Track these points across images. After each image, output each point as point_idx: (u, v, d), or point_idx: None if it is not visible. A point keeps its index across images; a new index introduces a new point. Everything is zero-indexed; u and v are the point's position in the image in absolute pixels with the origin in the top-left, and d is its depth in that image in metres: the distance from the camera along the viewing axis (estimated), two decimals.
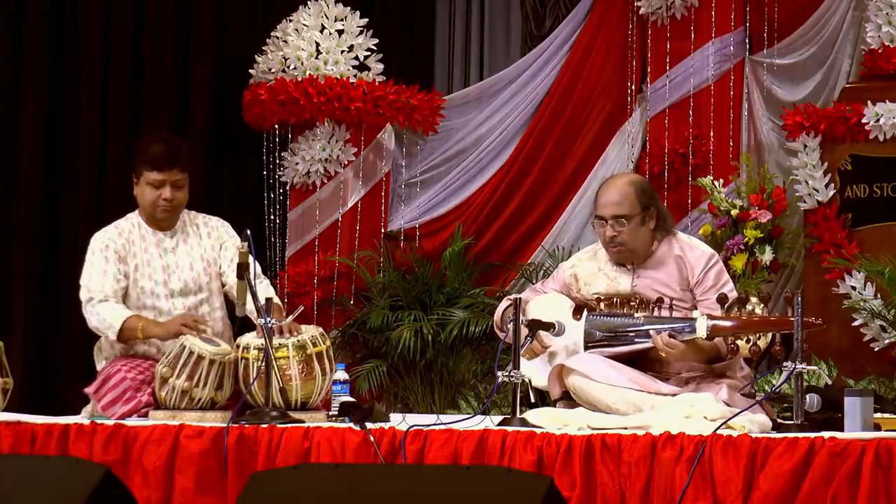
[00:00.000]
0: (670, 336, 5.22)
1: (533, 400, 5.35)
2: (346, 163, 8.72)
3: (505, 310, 5.65)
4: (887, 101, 8.04)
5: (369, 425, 5.06)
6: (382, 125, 8.78)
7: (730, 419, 4.82)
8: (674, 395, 5.24)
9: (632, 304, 5.48)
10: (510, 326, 5.29)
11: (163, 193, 5.90)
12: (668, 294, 5.45)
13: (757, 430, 4.83)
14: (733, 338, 5.18)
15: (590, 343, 5.40)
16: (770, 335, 5.13)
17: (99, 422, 5.36)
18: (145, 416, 5.57)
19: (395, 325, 8.42)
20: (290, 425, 5.19)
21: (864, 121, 8.06)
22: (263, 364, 5.38)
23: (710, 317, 5.17)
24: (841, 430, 4.82)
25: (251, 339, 5.59)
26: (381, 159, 8.82)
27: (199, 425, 5.25)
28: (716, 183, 8.33)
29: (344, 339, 8.54)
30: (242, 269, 5.49)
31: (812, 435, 4.60)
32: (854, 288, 8.02)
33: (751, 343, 5.14)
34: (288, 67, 8.63)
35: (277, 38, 8.73)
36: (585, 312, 5.49)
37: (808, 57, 8.61)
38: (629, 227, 5.48)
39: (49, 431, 5.34)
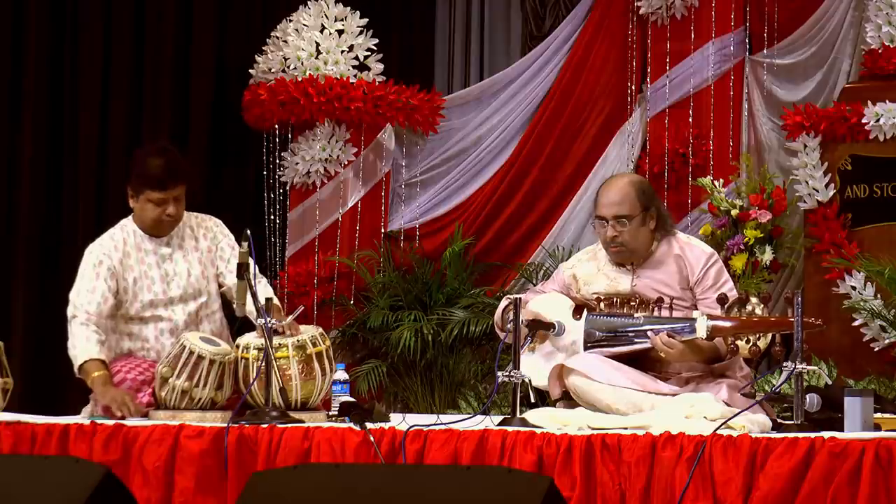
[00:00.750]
0: (669, 336, 5.22)
1: (533, 400, 5.35)
2: (346, 163, 8.72)
3: (505, 308, 5.64)
4: (887, 101, 8.04)
5: (369, 425, 5.05)
6: (382, 125, 8.78)
7: (730, 419, 4.81)
8: (674, 395, 5.23)
9: (632, 304, 5.47)
10: (510, 326, 5.29)
11: (166, 210, 5.83)
12: (668, 294, 5.44)
13: (757, 430, 4.82)
14: (733, 338, 5.18)
15: (590, 343, 5.39)
16: (770, 335, 5.13)
17: (99, 422, 5.36)
18: (145, 416, 5.57)
19: (395, 325, 8.42)
20: (290, 425, 5.18)
21: (864, 121, 8.06)
22: (263, 364, 5.38)
23: (710, 317, 5.17)
24: (841, 430, 4.81)
25: (251, 339, 5.59)
26: (381, 159, 8.82)
27: (199, 425, 5.24)
28: (716, 183, 8.33)
29: (344, 339, 8.53)
30: (242, 270, 5.48)
31: (812, 435, 4.59)
32: (854, 288, 8.02)
33: (751, 343, 5.14)
34: (288, 67, 8.63)
35: (277, 38, 8.73)
36: (585, 312, 5.48)
37: (808, 57, 8.62)
38: (630, 228, 5.47)
39: (49, 431, 5.33)
